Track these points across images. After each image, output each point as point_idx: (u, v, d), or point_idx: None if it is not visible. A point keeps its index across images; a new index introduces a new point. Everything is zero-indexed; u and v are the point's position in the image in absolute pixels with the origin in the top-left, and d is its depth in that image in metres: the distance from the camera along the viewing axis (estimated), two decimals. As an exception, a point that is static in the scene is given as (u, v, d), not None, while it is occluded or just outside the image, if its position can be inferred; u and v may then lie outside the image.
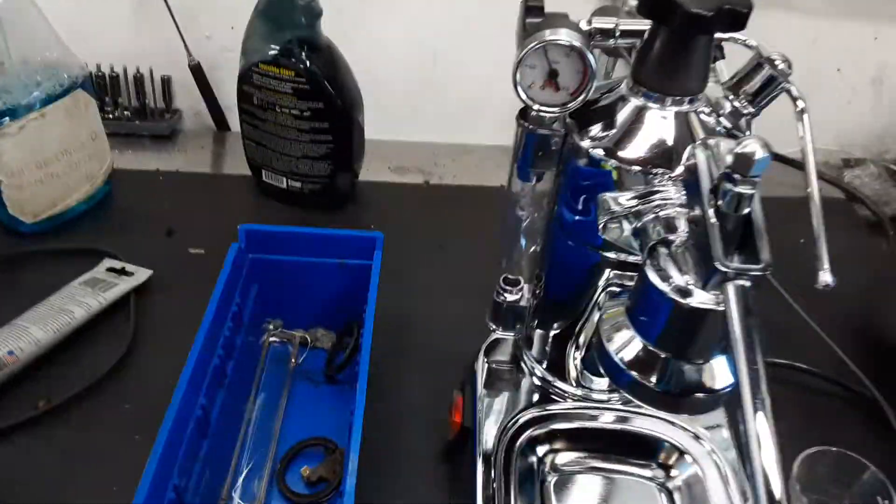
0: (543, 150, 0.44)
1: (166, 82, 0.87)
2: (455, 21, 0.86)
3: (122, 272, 0.67)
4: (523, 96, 0.41)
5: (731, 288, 0.30)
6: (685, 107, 0.41)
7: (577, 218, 0.45)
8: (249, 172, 0.81)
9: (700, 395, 0.35)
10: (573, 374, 0.53)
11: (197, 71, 0.84)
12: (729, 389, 0.36)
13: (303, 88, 0.68)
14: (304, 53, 0.67)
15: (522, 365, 0.56)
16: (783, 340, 0.65)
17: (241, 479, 0.51)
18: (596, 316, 0.50)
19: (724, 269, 0.30)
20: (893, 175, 0.89)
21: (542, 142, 0.44)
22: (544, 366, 0.54)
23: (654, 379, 0.36)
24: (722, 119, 0.42)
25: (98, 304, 0.62)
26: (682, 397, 0.35)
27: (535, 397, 0.54)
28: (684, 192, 0.39)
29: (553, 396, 0.53)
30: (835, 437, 0.51)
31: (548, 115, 0.42)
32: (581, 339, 0.52)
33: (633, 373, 0.36)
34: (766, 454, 0.28)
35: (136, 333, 0.62)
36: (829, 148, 0.95)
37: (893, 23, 0.89)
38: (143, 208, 0.77)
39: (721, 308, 0.33)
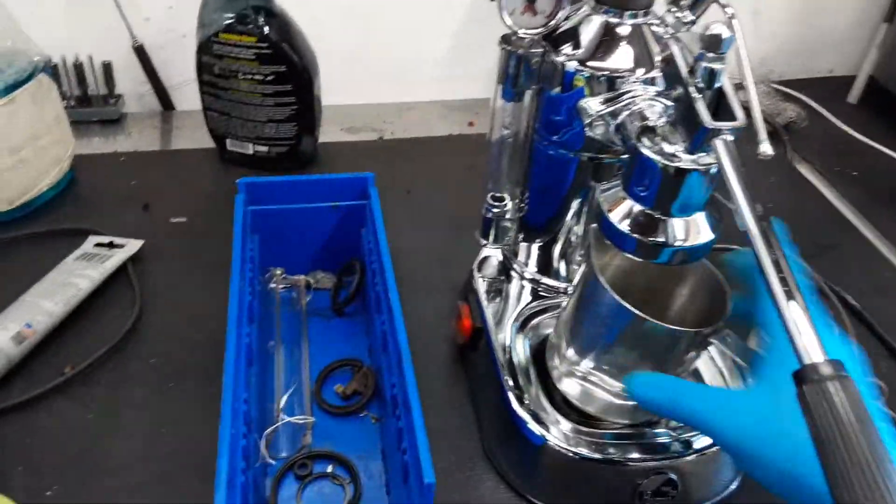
0: (524, 70, 0.52)
1: (107, 67, 0.87)
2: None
3: (111, 246, 0.69)
4: (508, 22, 0.48)
5: (719, 143, 0.38)
6: (640, 19, 0.49)
7: (556, 127, 0.53)
8: (207, 146, 0.84)
9: (690, 245, 0.44)
10: (559, 271, 0.61)
11: (141, 52, 0.86)
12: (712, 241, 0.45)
13: (264, 53, 0.72)
14: (261, 19, 0.71)
15: (512, 273, 0.63)
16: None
17: (283, 401, 0.56)
18: (574, 224, 0.59)
19: (711, 126, 0.38)
20: (779, 92, 1.03)
21: (523, 63, 0.51)
22: (533, 270, 0.62)
23: (653, 237, 0.44)
24: (668, 28, 0.50)
25: (99, 274, 0.64)
26: (676, 249, 0.44)
27: (528, 297, 0.62)
28: (650, 88, 0.47)
29: (542, 293, 0.61)
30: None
31: (528, 36, 0.49)
32: (562, 242, 0.60)
33: (636, 235, 0.44)
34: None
35: (142, 296, 0.65)
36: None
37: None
38: (112, 188, 0.78)
39: (702, 167, 0.41)
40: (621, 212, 0.45)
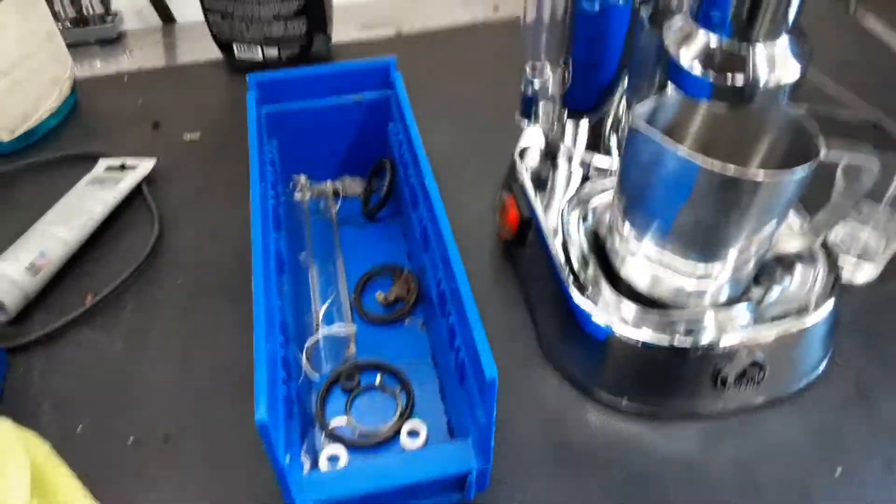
0: None
1: (100, -18, 0.80)
2: None
3: (123, 168, 0.64)
4: None
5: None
6: None
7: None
8: (214, 57, 0.77)
9: (775, 81, 0.37)
10: (614, 152, 0.55)
11: (133, -40, 0.79)
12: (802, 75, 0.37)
13: (264, -62, 0.65)
14: None
15: (559, 157, 0.57)
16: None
17: (321, 313, 0.51)
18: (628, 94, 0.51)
19: None
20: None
21: None
22: (582, 150, 0.55)
23: (734, 76, 0.37)
24: None
25: (114, 198, 0.60)
26: (756, 90, 0.37)
27: (578, 181, 0.55)
28: None
29: (594, 176, 0.55)
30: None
31: None
32: (614, 116, 0.53)
33: (711, 74, 0.37)
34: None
35: (161, 216, 0.60)
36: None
37: None
38: (119, 110, 0.73)
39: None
40: (692, 49, 0.38)
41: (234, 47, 0.74)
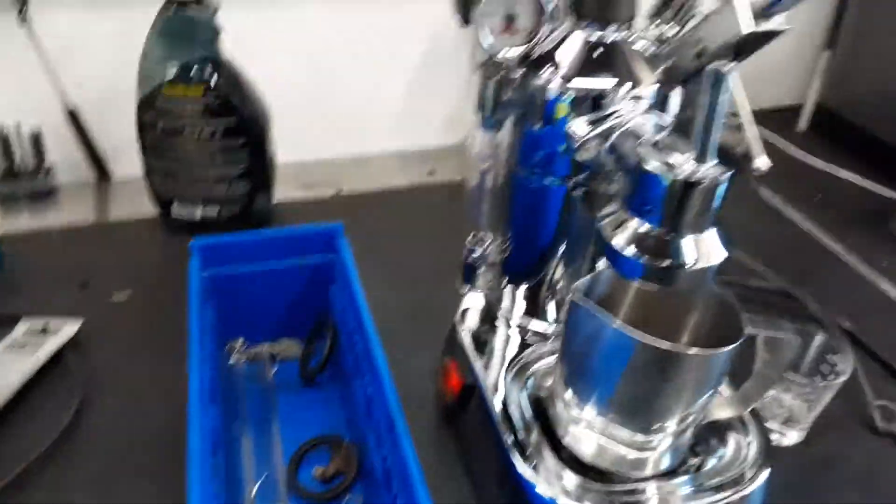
0: (503, 96, 0.48)
1: (36, 138, 0.80)
2: (334, 42, 0.87)
3: (45, 331, 0.60)
4: (486, 45, 0.44)
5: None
6: (623, 33, 0.46)
7: (540, 155, 0.49)
8: (148, 215, 0.77)
9: (701, 266, 0.40)
10: (550, 316, 0.56)
11: (74, 118, 0.79)
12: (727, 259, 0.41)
13: (213, 106, 0.67)
14: (208, 69, 0.66)
15: (498, 321, 0.58)
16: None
17: (254, 492, 0.48)
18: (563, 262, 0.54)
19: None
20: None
21: (502, 88, 0.47)
22: (520, 315, 0.57)
23: (663, 259, 0.39)
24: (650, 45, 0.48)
25: (32, 365, 0.56)
26: (688, 271, 0.39)
27: (518, 346, 0.56)
28: (639, 104, 0.44)
29: (532, 340, 0.56)
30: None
31: (507, 60, 0.46)
32: (550, 282, 0.55)
33: (644, 257, 0.40)
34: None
35: (84, 387, 0.56)
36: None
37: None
38: (45, 267, 0.70)
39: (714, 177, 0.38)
40: (625, 234, 0.41)
41: (174, 206, 0.74)
